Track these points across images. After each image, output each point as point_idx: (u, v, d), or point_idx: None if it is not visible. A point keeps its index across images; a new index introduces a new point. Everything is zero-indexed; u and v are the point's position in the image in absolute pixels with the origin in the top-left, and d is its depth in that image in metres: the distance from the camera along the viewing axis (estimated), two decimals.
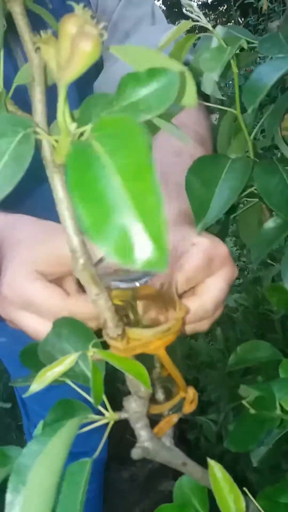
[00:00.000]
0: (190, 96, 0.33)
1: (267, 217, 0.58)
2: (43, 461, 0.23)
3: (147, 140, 0.20)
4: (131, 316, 0.35)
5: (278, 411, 0.46)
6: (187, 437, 1.30)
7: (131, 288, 0.32)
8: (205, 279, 0.41)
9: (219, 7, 4.66)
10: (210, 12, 4.70)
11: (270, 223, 0.53)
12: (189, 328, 0.42)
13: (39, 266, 0.39)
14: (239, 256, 1.65)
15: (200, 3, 5.00)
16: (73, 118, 0.26)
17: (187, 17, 0.54)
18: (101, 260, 0.37)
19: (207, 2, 4.98)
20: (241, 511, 0.37)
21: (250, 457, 0.59)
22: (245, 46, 0.53)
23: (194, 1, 0.54)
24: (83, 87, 0.49)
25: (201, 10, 0.55)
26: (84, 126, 0.25)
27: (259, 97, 0.48)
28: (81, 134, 0.25)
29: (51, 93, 0.28)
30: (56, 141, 0.27)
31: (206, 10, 4.60)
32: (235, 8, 2.49)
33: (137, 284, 0.32)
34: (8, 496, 0.23)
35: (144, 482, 1.26)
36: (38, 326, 0.39)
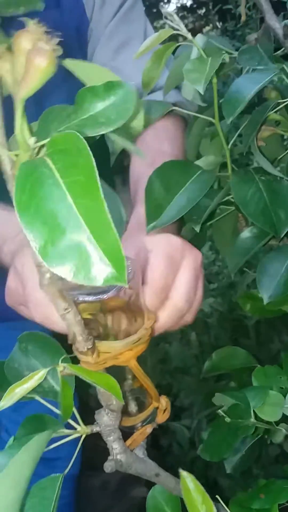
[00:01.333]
0: (138, 120, 0.34)
1: (243, 226, 0.59)
2: (7, 474, 0.23)
3: (91, 157, 0.21)
4: (100, 329, 0.35)
5: (253, 419, 0.47)
6: (160, 443, 1.30)
7: (98, 300, 0.32)
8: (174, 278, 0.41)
9: (197, 11, 4.71)
10: (189, 15, 4.75)
11: (246, 233, 0.54)
12: (173, 326, 0.41)
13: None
14: (214, 261, 1.67)
15: (179, 5, 5.05)
16: (31, 131, 0.26)
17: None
18: None
19: (186, 5, 5.02)
20: None
21: (224, 463, 0.59)
22: (227, 59, 0.53)
23: (173, 3, 0.54)
24: (43, 99, 0.49)
25: (179, 13, 0.56)
26: (43, 141, 0.25)
27: (238, 109, 0.49)
28: (39, 149, 0.25)
29: (8, 103, 0.28)
30: (16, 155, 0.27)
31: (185, 13, 4.64)
32: (214, 13, 2.52)
33: (104, 296, 0.32)
34: None
35: (115, 488, 1.26)
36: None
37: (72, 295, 0.30)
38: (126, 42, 0.70)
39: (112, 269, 0.19)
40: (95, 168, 0.20)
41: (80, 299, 0.32)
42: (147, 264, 0.40)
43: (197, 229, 0.48)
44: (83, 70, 0.30)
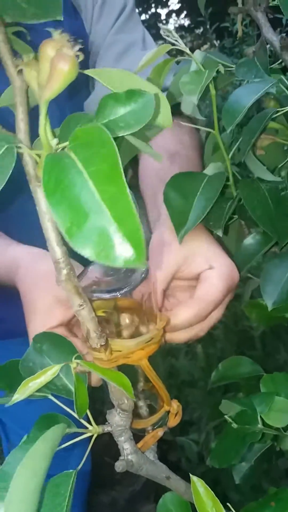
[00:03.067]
0: (166, 117, 0.36)
1: (245, 234, 0.60)
2: (26, 464, 0.23)
3: (116, 147, 0.22)
4: (113, 327, 0.35)
5: (260, 425, 0.47)
6: (168, 458, 1.29)
7: (112, 298, 0.33)
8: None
9: (195, 30, 4.81)
10: (187, 34, 4.85)
11: (249, 240, 0.54)
12: (190, 334, 0.42)
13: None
14: None
15: (177, 25, 5.16)
16: (54, 135, 0.28)
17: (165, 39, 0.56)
18: (83, 273, 0.37)
19: (184, 25, 5.13)
20: None
21: (232, 474, 0.59)
22: (222, 70, 0.55)
23: (171, 24, 0.56)
24: (65, 108, 0.50)
25: (178, 33, 0.57)
26: (65, 142, 0.26)
27: (237, 119, 0.50)
28: (62, 149, 0.27)
29: (34, 115, 0.29)
30: (38, 156, 0.28)
31: (183, 33, 4.75)
32: (211, 31, 2.57)
33: (118, 294, 0.33)
34: None
35: (124, 506, 1.24)
36: None
37: (87, 294, 0.31)
38: (125, 51, 0.72)
39: (132, 252, 0.20)
40: (119, 157, 0.22)
41: (96, 296, 0.33)
42: (203, 278, 0.43)
43: (220, 233, 0.50)
44: (106, 76, 0.32)
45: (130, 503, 1.24)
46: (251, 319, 0.68)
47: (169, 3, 5.16)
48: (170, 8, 5.16)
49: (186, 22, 5.10)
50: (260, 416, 0.47)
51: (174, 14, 5.17)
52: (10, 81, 0.30)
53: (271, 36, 0.60)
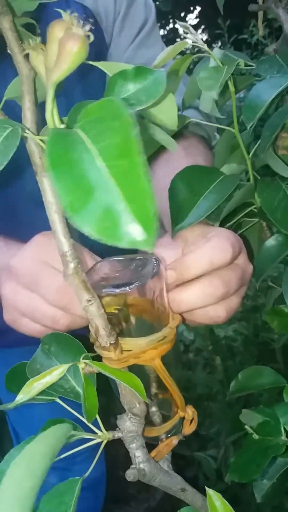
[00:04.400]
0: (171, 118, 0.35)
1: (267, 236, 0.57)
2: (20, 463, 0.21)
3: (131, 119, 0.20)
4: (124, 325, 0.33)
5: (283, 437, 0.44)
6: (185, 474, 1.25)
7: (122, 293, 0.31)
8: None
9: (213, 44, 4.87)
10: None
11: (271, 241, 0.52)
12: (204, 315, 0.39)
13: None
14: None
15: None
16: (62, 122, 0.26)
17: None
18: (92, 269, 0.35)
19: (202, 39, 5.21)
20: None
21: (254, 492, 0.56)
22: (242, 65, 0.53)
23: (189, 39, 0.55)
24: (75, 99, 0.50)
25: (195, 48, 0.56)
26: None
27: (258, 114, 0.49)
28: None
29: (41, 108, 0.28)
30: (44, 142, 0.27)
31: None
32: (230, 44, 2.59)
33: (128, 289, 0.31)
34: None
35: None
36: (43, 309, 0.38)
37: (95, 287, 0.30)
38: (145, 65, 0.72)
39: (141, 232, 0.18)
40: (134, 130, 0.20)
41: (105, 292, 0.31)
42: (207, 239, 0.40)
43: (217, 225, 0.48)
44: (114, 68, 0.31)
45: None
46: (273, 326, 0.65)
47: (187, 18, 5.24)
48: (189, 23, 5.25)
49: (204, 37, 5.16)
50: (284, 428, 0.44)
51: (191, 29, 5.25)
52: (17, 70, 0.29)
53: None
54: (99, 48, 0.72)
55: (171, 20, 5.15)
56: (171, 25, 5.20)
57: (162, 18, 4.97)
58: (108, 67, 0.32)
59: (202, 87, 0.51)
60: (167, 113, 0.37)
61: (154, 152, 0.59)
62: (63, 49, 0.24)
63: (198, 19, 5.14)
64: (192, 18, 5.31)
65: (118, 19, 0.72)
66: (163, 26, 5.09)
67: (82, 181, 0.19)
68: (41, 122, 0.29)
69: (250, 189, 0.54)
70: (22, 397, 0.28)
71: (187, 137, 0.67)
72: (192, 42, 0.54)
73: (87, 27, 0.25)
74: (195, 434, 1.33)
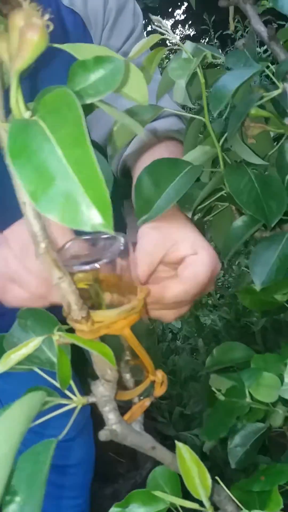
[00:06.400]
0: (141, 92, 0.36)
1: (236, 219, 0.61)
2: None
3: (81, 111, 0.22)
4: (94, 299, 0.36)
5: (248, 399, 0.48)
6: None
7: (92, 270, 0.33)
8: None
9: (200, 40, 4.88)
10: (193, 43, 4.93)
11: (238, 222, 0.56)
12: (156, 312, 0.44)
13: None
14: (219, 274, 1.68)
15: (183, 35, 5.24)
16: (28, 109, 0.27)
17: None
18: (62, 248, 0.38)
19: (189, 35, 5.20)
20: (207, 490, 0.38)
21: (229, 458, 0.60)
22: (209, 57, 0.57)
23: (176, 34, 0.58)
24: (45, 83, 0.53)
25: (183, 42, 0.59)
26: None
27: (223, 103, 0.52)
28: None
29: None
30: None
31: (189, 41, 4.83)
32: (215, 40, 2.62)
33: (97, 265, 0.33)
34: None
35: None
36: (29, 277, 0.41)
37: (67, 265, 0.32)
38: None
39: (99, 216, 0.20)
40: (83, 121, 0.22)
41: (75, 269, 0.34)
42: (188, 262, 0.47)
43: (189, 215, 0.50)
44: (79, 50, 0.32)
45: None
46: (245, 304, 0.69)
47: (175, 14, 5.23)
48: (176, 19, 5.24)
49: (192, 32, 5.15)
50: (248, 391, 0.48)
51: (180, 25, 5.26)
52: None
53: (259, 27, 0.61)
54: None
55: (159, 16, 5.13)
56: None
57: (151, 13, 4.94)
58: (76, 50, 0.32)
59: (173, 76, 0.54)
60: (137, 90, 0.38)
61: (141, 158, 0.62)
62: (24, 38, 0.25)
63: (185, 15, 5.13)
64: (179, 14, 5.30)
65: (107, 27, 0.73)
66: (149, 23, 5.07)
67: (43, 170, 0.21)
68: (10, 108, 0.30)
69: (222, 176, 0.58)
70: (0, 368, 0.30)
71: (175, 143, 0.69)
72: (162, 35, 0.57)
73: (46, 16, 0.26)
74: (180, 414, 1.38)
